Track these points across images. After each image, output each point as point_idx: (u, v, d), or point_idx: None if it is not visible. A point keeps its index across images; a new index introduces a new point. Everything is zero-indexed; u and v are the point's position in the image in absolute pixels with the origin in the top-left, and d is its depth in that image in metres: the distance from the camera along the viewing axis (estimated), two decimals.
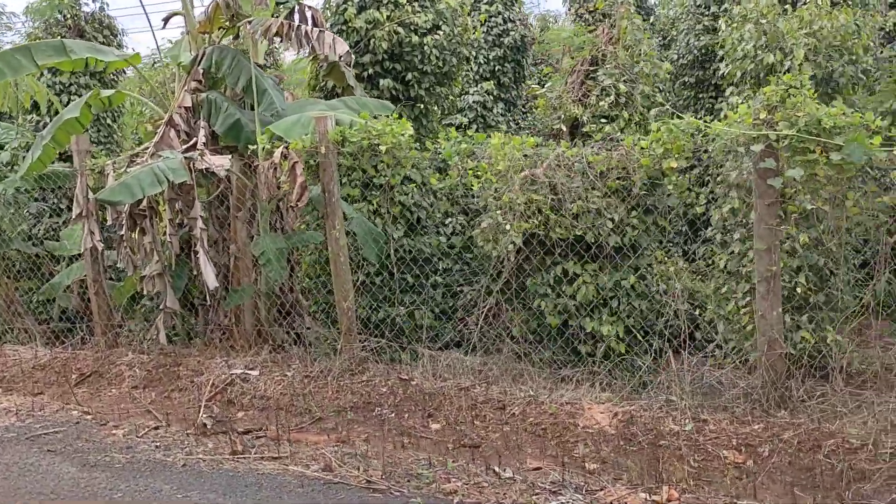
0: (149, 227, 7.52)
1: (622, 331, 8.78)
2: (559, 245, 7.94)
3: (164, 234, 7.45)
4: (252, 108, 8.21)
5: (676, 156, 5.18)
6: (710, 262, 9.73)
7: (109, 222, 7.71)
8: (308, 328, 8.72)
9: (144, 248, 7.54)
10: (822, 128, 4.87)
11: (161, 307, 7.72)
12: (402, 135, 6.22)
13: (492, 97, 13.08)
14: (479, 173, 5.92)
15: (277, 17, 8.18)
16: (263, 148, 7.27)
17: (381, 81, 9.82)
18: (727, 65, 8.97)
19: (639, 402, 5.58)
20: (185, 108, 8.10)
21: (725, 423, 5.16)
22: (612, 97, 8.48)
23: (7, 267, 10.26)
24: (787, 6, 8.42)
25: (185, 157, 7.24)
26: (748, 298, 8.01)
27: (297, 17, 8.29)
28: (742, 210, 8.12)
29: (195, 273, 8.19)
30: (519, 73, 14.17)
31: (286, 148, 6.80)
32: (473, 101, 12.61)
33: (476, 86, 12.70)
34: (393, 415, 6.13)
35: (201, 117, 7.97)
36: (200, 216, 7.30)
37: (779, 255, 5.21)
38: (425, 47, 9.81)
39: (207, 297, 8.23)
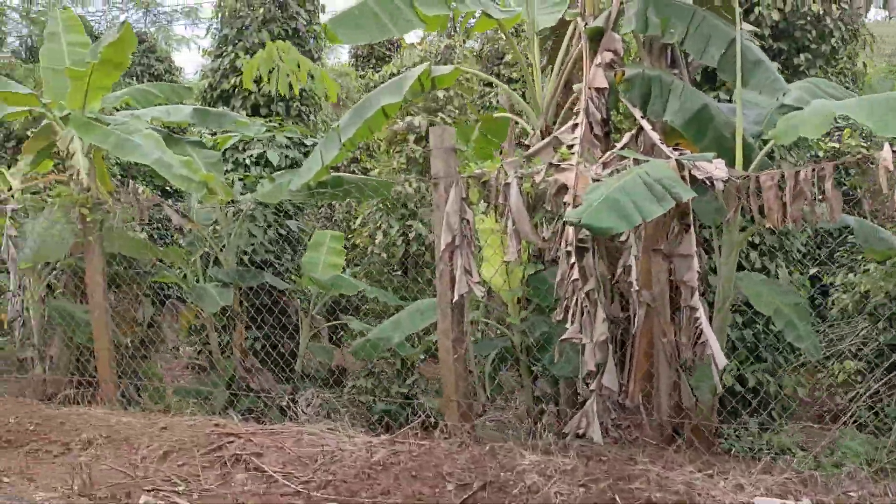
0: (591, 268, 4.87)
1: None
2: None
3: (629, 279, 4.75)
4: (699, 88, 5.60)
5: None
6: None
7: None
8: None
9: (579, 300, 4.87)
10: None
11: (593, 387, 5.06)
12: None
13: None
14: None
15: None
16: (789, 149, 4.66)
17: None
18: None
19: None
20: (596, 90, 5.48)
21: None
22: None
23: (243, 309, 7.57)
24: None
25: (678, 162, 4.62)
26: None
27: None
28: None
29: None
30: None
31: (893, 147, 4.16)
32: None
33: None
34: None
35: (632, 103, 5.36)
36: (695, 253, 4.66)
37: None
38: (827, 19, 7.20)
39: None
